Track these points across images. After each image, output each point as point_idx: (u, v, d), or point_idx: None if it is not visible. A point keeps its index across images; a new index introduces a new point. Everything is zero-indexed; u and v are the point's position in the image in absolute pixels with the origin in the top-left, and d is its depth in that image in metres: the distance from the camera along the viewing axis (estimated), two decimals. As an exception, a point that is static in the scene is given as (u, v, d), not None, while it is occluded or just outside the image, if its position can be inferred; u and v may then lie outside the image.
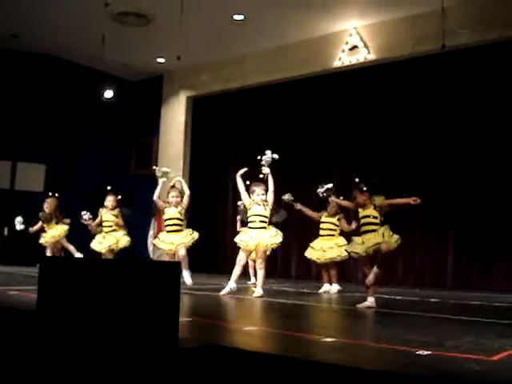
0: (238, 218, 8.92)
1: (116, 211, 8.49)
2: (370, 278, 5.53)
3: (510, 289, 8.92)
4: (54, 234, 9.15)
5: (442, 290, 9.06)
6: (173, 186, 7.78)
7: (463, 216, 9.78)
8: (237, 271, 6.74)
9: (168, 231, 7.50)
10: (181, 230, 7.46)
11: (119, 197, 8.57)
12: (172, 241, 7.38)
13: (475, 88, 9.72)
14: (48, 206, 9.19)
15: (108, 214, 8.49)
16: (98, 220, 8.59)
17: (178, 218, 7.48)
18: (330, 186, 7.48)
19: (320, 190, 7.54)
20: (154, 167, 11.17)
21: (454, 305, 6.47)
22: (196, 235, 7.49)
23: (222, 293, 6.55)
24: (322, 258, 7.84)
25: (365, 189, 5.79)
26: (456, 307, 6.21)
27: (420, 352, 2.95)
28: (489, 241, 9.46)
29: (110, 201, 8.48)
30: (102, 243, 8.42)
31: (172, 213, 7.50)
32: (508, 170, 9.32)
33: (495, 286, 9.18)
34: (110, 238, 8.41)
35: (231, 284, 6.65)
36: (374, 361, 2.85)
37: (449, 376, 2.49)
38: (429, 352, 2.95)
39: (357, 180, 5.91)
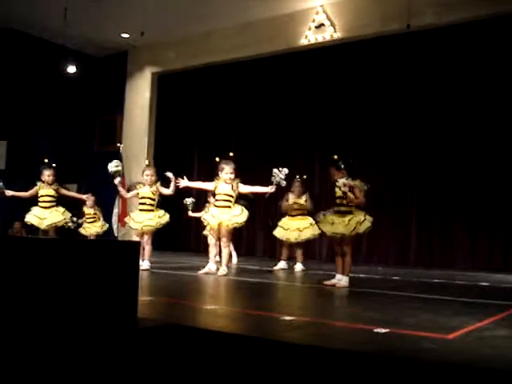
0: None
1: (55, 185, 8.16)
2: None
3: (470, 266, 9.13)
4: None
5: (405, 267, 9.22)
6: (148, 165, 7.70)
7: (426, 195, 9.91)
8: (212, 252, 6.95)
9: (140, 210, 7.40)
10: (152, 210, 7.33)
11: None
12: (141, 220, 7.28)
13: (441, 68, 9.79)
14: None
15: (47, 188, 8.12)
16: (30, 192, 8.16)
17: (150, 198, 7.33)
18: (286, 170, 6.78)
19: (280, 176, 6.72)
20: (119, 144, 11.08)
21: (416, 283, 6.56)
22: (165, 219, 7.36)
23: (201, 272, 6.76)
24: (299, 237, 7.83)
25: (342, 166, 5.67)
26: (417, 285, 6.30)
27: (378, 330, 2.99)
28: (450, 221, 9.63)
29: (48, 175, 8.13)
30: (43, 219, 8.02)
31: (145, 192, 7.35)
32: (470, 150, 9.45)
33: (456, 264, 9.36)
34: (54, 214, 8.07)
35: (211, 265, 6.83)
36: (332, 339, 2.87)
37: (405, 354, 2.53)
38: (387, 330, 3.00)
39: (335, 157, 5.78)
